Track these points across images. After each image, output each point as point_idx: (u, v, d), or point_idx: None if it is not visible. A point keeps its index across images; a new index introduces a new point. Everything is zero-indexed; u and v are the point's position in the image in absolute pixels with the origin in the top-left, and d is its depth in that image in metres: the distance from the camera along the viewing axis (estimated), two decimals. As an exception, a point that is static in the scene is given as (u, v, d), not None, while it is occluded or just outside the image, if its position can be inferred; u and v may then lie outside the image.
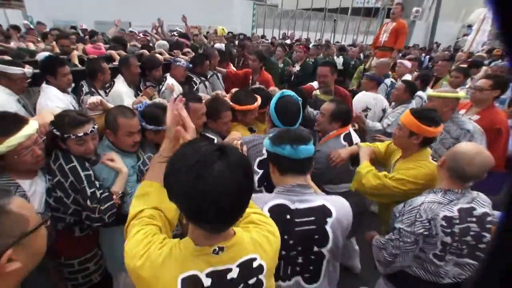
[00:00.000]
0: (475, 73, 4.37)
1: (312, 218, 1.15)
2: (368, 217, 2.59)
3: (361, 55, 7.66)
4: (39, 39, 4.94)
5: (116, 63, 3.17)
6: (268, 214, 1.07)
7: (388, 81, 3.94)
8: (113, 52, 3.62)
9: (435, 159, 1.71)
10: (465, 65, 4.65)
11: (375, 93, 3.31)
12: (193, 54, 4.04)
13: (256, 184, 1.63)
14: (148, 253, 0.78)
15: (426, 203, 1.35)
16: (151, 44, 4.95)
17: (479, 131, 2.19)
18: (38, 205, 1.41)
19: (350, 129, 2.08)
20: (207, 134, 1.97)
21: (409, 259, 1.41)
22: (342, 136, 2.00)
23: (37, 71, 2.44)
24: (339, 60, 6.16)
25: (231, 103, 2.09)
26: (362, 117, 3.02)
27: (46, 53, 3.36)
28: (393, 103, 3.19)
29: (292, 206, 1.16)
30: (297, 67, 5.11)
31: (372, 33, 13.53)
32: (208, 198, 0.69)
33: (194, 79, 3.28)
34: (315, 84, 3.10)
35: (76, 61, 3.42)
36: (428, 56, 9.96)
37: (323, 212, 1.16)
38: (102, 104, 1.79)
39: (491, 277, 0.31)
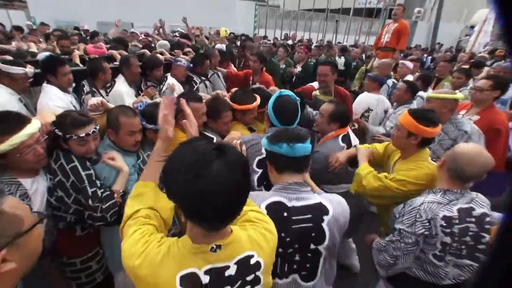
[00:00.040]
0: (476, 74, 4.36)
1: (309, 216, 1.15)
2: (367, 217, 2.58)
3: (363, 55, 7.65)
4: (41, 39, 4.97)
5: (117, 63, 3.18)
6: (265, 212, 1.08)
7: (390, 81, 3.94)
8: (114, 52, 3.64)
9: (433, 160, 1.71)
10: (466, 66, 4.64)
11: (377, 94, 3.31)
12: (194, 54, 4.06)
13: (256, 184, 1.64)
14: (146, 252, 0.79)
15: (426, 203, 1.35)
16: (152, 45, 4.97)
17: (476, 132, 2.19)
18: (39, 204, 1.42)
19: (349, 130, 2.08)
20: (207, 133, 1.97)
21: (410, 260, 1.40)
22: (340, 137, 2.00)
23: (38, 70, 2.46)
24: (340, 61, 6.16)
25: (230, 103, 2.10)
26: (364, 123, 3.02)
27: (47, 53, 3.38)
28: (394, 104, 3.19)
29: (289, 204, 1.17)
30: (298, 68, 5.11)
31: (374, 33, 13.50)
32: (206, 197, 0.69)
33: (195, 78, 3.29)
34: (315, 84, 3.10)
35: (78, 61, 3.44)
36: (430, 57, 9.93)
37: (319, 210, 1.17)
38: (103, 105, 1.80)
39: (492, 277, 0.31)
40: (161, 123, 1.08)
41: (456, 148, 1.40)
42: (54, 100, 2.30)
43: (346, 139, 2.02)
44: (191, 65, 3.28)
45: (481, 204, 1.37)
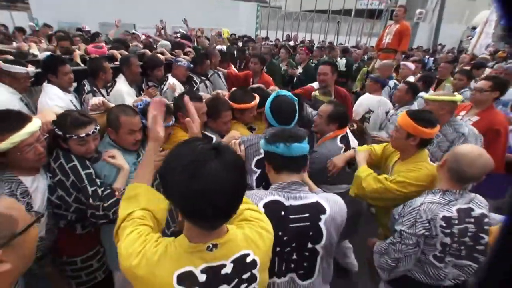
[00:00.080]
0: (477, 75, 4.36)
1: (306, 215, 1.16)
2: (367, 218, 2.58)
3: (365, 57, 7.65)
4: (42, 40, 4.99)
5: (117, 62, 3.19)
6: (263, 210, 1.09)
7: (391, 83, 3.94)
8: (115, 52, 3.66)
9: (432, 161, 1.71)
10: (468, 68, 4.64)
11: (379, 96, 3.31)
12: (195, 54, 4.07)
13: (255, 184, 1.64)
14: (143, 251, 0.79)
15: (425, 204, 1.35)
16: (154, 46, 4.98)
17: (473, 135, 2.19)
18: (40, 202, 1.42)
19: (348, 131, 2.08)
20: (206, 133, 1.98)
21: (412, 262, 1.40)
22: (339, 138, 2.00)
23: (39, 70, 2.47)
24: (342, 62, 6.17)
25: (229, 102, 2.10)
26: (365, 128, 3.02)
27: (48, 53, 3.40)
28: (396, 105, 3.19)
29: (287, 203, 1.17)
30: (299, 69, 5.11)
31: (376, 35, 13.49)
32: (203, 197, 0.70)
33: (195, 78, 3.30)
34: (315, 84, 3.10)
35: (79, 60, 3.46)
36: (432, 58, 9.92)
37: (317, 209, 1.17)
38: (105, 105, 1.80)
39: (494, 278, 0.31)
40: (150, 124, 1.08)
41: (458, 148, 1.40)
42: (54, 100, 2.31)
43: (345, 140, 2.02)
44: (192, 65, 3.29)
45: (480, 204, 1.37)
